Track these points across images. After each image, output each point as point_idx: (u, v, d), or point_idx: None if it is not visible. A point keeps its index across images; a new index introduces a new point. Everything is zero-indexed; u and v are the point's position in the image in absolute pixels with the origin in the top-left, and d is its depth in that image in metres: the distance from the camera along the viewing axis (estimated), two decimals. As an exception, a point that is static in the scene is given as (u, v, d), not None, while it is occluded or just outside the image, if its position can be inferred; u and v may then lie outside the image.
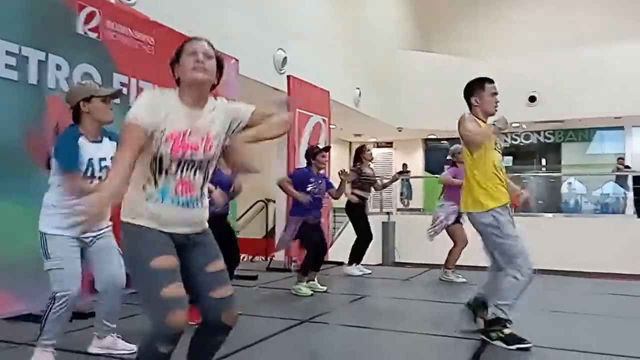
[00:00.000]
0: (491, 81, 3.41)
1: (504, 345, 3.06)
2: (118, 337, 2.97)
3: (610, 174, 13.02)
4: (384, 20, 13.15)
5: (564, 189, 14.70)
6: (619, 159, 13.19)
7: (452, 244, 5.81)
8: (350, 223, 6.50)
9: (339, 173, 5.20)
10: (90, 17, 4.00)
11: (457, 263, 5.85)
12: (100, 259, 2.81)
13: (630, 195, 12.07)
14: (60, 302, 2.61)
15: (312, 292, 4.86)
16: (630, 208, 12.03)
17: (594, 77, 12.49)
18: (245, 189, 4.20)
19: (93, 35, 4.03)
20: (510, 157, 15.55)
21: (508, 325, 3.10)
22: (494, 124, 3.32)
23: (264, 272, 6.41)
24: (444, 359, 3.04)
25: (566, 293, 5.26)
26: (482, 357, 3.00)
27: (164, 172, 1.92)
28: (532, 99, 13.03)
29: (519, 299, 3.15)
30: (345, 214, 6.53)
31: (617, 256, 9.06)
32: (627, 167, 12.91)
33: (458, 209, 5.65)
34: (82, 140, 2.76)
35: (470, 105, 3.42)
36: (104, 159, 2.81)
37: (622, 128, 14.47)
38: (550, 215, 12.27)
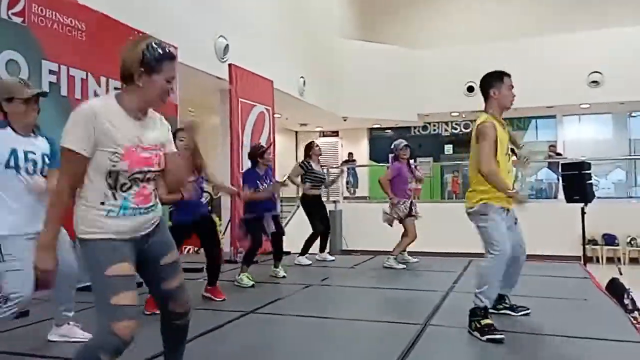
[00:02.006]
0: (509, 75, 3.31)
1: (479, 336, 3.05)
2: (76, 325, 3.04)
3: (544, 161, 13.66)
4: (327, 9, 13.17)
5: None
6: (550, 146, 13.87)
7: (399, 232, 5.95)
8: (299, 213, 6.53)
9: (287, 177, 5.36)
10: (14, 1, 3.77)
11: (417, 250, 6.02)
12: (65, 247, 2.77)
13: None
14: (12, 303, 2.60)
15: (252, 283, 4.87)
16: (562, 193, 12.68)
17: (530, 67, 13.03)
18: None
19: (18, 19, 3.80)
20: (451, 146, 16.03)
21: (487, 316, 3.10)
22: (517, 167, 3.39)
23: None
24: (387, 343, 3.10)
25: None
26: (421, 342, 3.07)
27: (120, 187, 1.90)
28: (470, 89, 13.44)
29: (494, 286, 3.15)
30: (292, 204, 6.54)
31: (550, 239, 9.55)
32: (559, 154, 13.59)
33: (408, 202, 5.83)
34: (7, 131, 2.69)
35: (487, 97, 3.31)
36: (33, 152, 2.74)
37: (554, 117, 15.21)
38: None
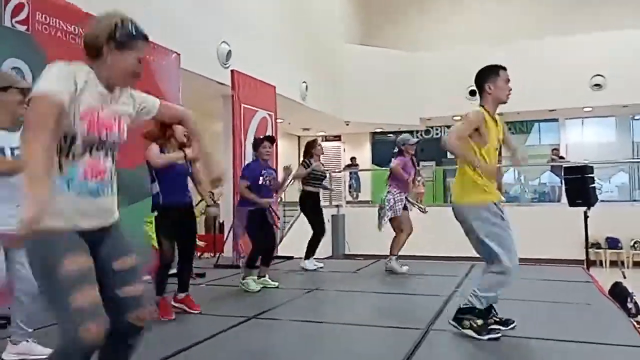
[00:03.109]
0: (504, 68, 3.25)
1: (475, 335, 3.05)
2: (34, 341, 2.85)
3: (546, 165, 13.64)
4: (329, 13, 13.21)
5: (505, 179, 15.29)
6: (553, 149, 13.85)
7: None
8: (301, 217, 6.47)
9: (283, 168, 5.14)
10: (18, 8, 3.82)
11: (409, 253, 5.96)
12: (21, 257, 2.66)
13: (565, 184, 12.69)
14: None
15: (260, 287, 4.81)
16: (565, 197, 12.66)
17: (532, 70, 13.03)
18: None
19: (22, 27, 3.84)
20: (454, 150, 15.99)
21: (481, 317, 3.10)
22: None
23: (212, 269, 6.33)
24: (389, 348, 3.10)
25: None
26: (423, 347, 3.07)
27: (71, 155, 1.69)
28: (473, 92, 13.43)
29: (498, 294, 3.14)
30: (295, 209, 6.51)
31: (553, 243, 9.55)
32: (562, 157, 13.57)
33: (403, 195, 5.78)
34: None
35: (482, 92, 3.27)
36: (19, 148, 2.67)
37: (556, 120, 15.19)
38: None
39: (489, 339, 3.01)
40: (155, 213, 3.76)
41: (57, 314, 1.68)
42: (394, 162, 5.84)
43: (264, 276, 5.04)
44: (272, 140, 5.16)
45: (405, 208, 5.81)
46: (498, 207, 3.16)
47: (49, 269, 1.65)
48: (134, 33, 1.81)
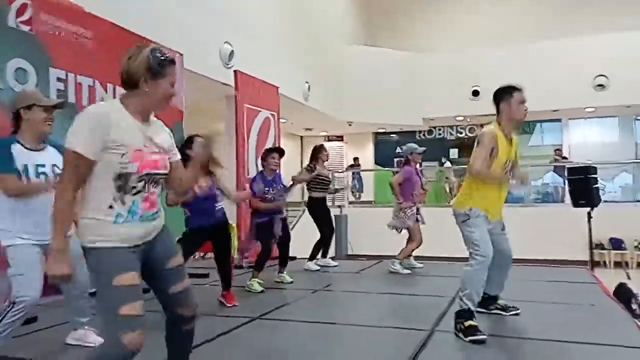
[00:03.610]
0: (520, 90, 3.37)
1: (462, 337, 3.14)
2: (90, 329, 3.08)
3: (549, 165, 13.61)
4: (331, 14, 13.21)
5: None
6: (556, 150, 13.83)
7: (404, 236, 5.94)
8: (304, 218, 6.49)
9: (292, 178, 5.32)
10: (22, 9, 3.81)
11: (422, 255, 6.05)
12: None
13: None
14: (19, 307, 2.66)
15: (262, 289, 4.87)
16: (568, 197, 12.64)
17: (535, 71, 13.01)
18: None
19: (25, 28, 3.84)
20: (456, 150, 16.00)
21: (472, 317, 3.18)
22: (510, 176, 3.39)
23: (215, 269, 6.31)
24: (394, 349, 3.09)
25: (509, 281, 5.45)
26: (428, 348, 3.06)
27: (130, 191, 1.91)
28: (476, 93, 13.43)
29: (477, 289, 3.24)
30: (297, 209, 6.52)
31: (556, 243, 9.52)
32: (565, 158, 13.54)
33: (414, 208, 5.80)
34: (18, 147, 2.76)
35: (498, 109, 3.39)
36: (43, 165, 2.81)
37: (559, 120, 15.16)
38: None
39: (470, 341, 3.08)
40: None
41: (105, 320, 1.91)
42: (396, 176, 5.85)
43: (283, 273, 5.34)
44: (281, 152, 5.20)
45: (417, 220, 5.84)
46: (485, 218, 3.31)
47: (105, 280, 1.86)
48: (165, 60, 1.97)
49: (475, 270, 3.23)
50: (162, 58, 1.95)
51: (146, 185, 1.94)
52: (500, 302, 3.72)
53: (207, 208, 4.05)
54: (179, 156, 2.18)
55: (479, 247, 3.22)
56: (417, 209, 5.88)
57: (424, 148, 6.00)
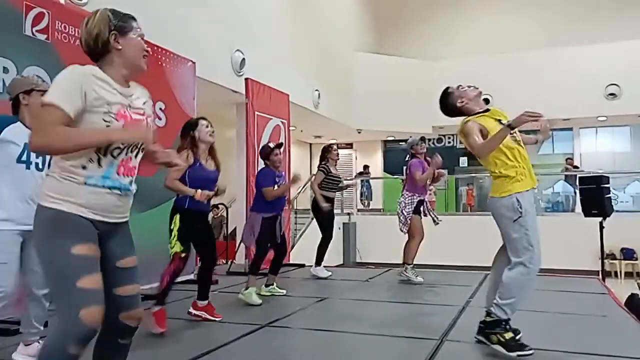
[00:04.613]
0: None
1: (504, 351, 2.89)
2: None
3: (560, 174, 13.53)
4: (342, 22, 13.27)
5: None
6: (567, 159, 13.75)
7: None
8: (313, 225, 6.44)
9: (293, 177, 5.04)
10: (38, 18, 3.88)
11: (421, 262, 5.93)
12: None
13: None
14: None
15: (261, 302, 4.56)
16: (580, 206, 12.54)
17: (546, 79, 12.98)
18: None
19: (42, 36, 3.90)
20: (465, 158, 15.94)
21: (509, 327, 2.94)
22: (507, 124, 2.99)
23: (224, 276, 6.35)
24: (403, 359, 3.08)
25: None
26: (437, 358, 3.05)
27: (109, 153, 1.79)
28: (487, 101, 13.34)
29: (522, 298, 2.97)
30: (307, 216, 6.49)
31: (567, 253, 9.44)
32: (576, 167, 13.45)
33: (415, 198, 5.73)
34: (19, 125, 2.72)
35: (459, 111, 3.33)
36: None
37: (570, 129, 15.08)
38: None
39: (519, 356, 2.85)
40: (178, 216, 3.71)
41: (60, 298, 1.75)
42: (417, 173, 5.63)
43: (272, 284, 5.03)
44: (280, 146, 5.08)
45: (417, 212, 5.73)
46: (528, 197, 3.00)
47: (60, 247, 1.70)
48: (124, 14, 1.89)
49: (525, 279, 2.93)
50: (121, 12, 1.89)
51: (129, 147, 1.83)
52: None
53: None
54: (155, 125, 2.10)
55: (533, 253, 2.92)
56: (428, 203, 5.81)
57: (421, 136, 5.97)
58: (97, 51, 1.85)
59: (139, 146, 1.88)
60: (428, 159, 5.79)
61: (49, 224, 1.74)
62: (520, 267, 2.94)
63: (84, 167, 1.75)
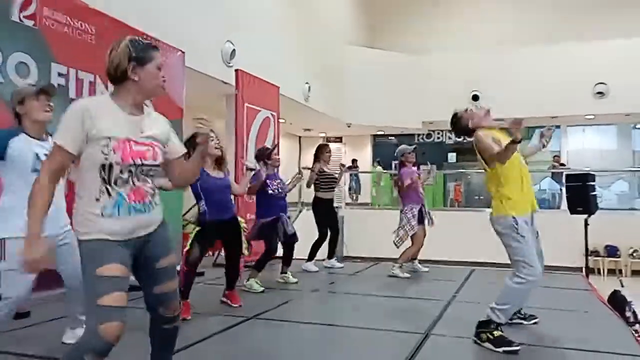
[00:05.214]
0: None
1: (492, 347, 3.04)
2: None
3: (547, 171, 13.65)
4: (333, 15, 13.22)
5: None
6: (554, 156, 13.87)
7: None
8: (301, 216, 6.47)
9: (295, 175, 5.30)
10: (26, 4, 3.81)
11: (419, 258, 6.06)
12: (65, 259, 2.84)
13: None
14: (6, 302, 2.61)
15: (263, 288, 4.85)
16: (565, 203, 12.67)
17: (534, 77, 13.05)
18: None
19: (29, 22, 3.84)
20: (454, 154, 16.03)
21: (499, 328, 3.09)
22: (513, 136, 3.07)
23: (210, 268, 6.32)
24: (388, 352, 3.11)
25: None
26: (423, 351, 3.08)
27: (115, 182, 1.91)
28: (475, 97, 13.44)
29: (516, 306, 3.16)
30: (293, 209, 6.50)
31: (552, 249, 9.53)
32: (562, 164, 13.57)
33: (415, 209, 5.76)
34: (23, 136, 2.76)
35: (473, 130, 3.51)
36: (47, 155, 2.77)
37: (558, 127, 15.21)
38: (490, 209, 12.74)
39: (504, 352, 2.98)
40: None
41: (87, 310, 1.95)
42: (405, 182, 5.74)
43: (286, 273, 5.32)
44: (276, 146, 5.31)
45: (421, 222, 5.79)
46: (526, 220, 3.19)
47: (89, 270, 1.88)
48: (146, 45, 2.02)
49: (522, 289, 3.09)
50: (144, 43, 2.02)
51: (134, 176, 1.94)
52: (521, 312, 3.62)
53: (223, 201, 4.00)
54: (180, 149, 2.18)
55: (531, 266, 3.07)
56: (425, 209, 5.87)
57: (414, 146, 6.02)
58: (116, 78, 1.99)
59: (142, 172, 1.98)
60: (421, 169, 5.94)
61: (83, 254, 1.92)
62: (519, 279, 3.10)
63: (97, 199, 1.90)
